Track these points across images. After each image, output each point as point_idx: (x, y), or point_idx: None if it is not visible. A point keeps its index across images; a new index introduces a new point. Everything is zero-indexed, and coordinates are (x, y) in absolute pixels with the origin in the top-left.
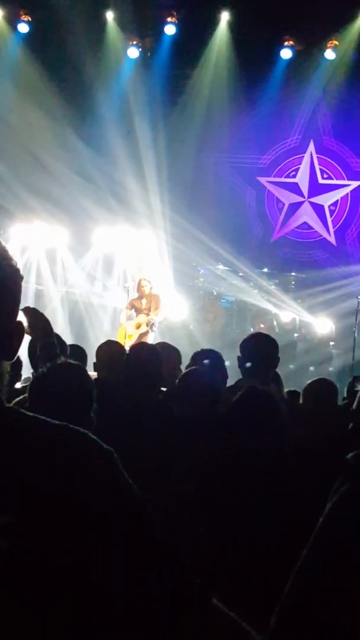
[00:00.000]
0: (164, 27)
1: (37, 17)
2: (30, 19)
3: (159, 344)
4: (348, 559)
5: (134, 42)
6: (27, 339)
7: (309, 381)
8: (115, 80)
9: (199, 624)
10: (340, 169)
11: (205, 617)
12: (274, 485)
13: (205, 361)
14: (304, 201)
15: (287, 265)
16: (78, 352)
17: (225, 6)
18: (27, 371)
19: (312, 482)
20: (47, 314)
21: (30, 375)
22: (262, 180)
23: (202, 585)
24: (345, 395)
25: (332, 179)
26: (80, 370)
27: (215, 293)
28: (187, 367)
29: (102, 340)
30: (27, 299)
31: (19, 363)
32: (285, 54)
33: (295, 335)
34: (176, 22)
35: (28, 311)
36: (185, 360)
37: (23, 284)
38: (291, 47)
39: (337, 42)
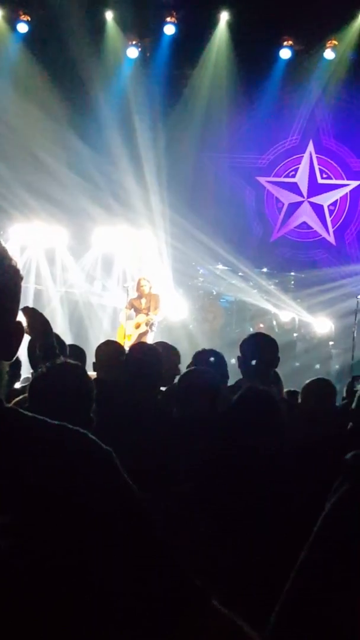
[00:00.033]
0: (163, 27)
1: (36, 17)
2: (29, 19)
3: (158, 343)
4: (347, 559)
5: (134, 42)
6: (26, 339)
7: (307, 381)
8: (115, 80)
9: (198, 624)
10: (339, 169)
11: (205, 617)
12: (274, 485)
13: (211, 359)
14: (303, 201)
15: (286, 265)
16: (77, 352)
17: (224, 6)
18: (26, 371)
19: (312, 482)
20: (47, 314)
21: (30, 375)
22: (262, 180)
23: (202, 585)
24: (344, 395)
25: (331, 178)
26: (80, 370)
27: (214, 293)
28: (188, 366)
29: (102, 340)
30: (27, 299)
31: (18, 363)
32: (285, 54)
33: (295, 335)
34: (176, 22)
35: (27, 311)
36: (185, 360)
37: (22, 284)
38: (290, 47)
39: (336, 42)
